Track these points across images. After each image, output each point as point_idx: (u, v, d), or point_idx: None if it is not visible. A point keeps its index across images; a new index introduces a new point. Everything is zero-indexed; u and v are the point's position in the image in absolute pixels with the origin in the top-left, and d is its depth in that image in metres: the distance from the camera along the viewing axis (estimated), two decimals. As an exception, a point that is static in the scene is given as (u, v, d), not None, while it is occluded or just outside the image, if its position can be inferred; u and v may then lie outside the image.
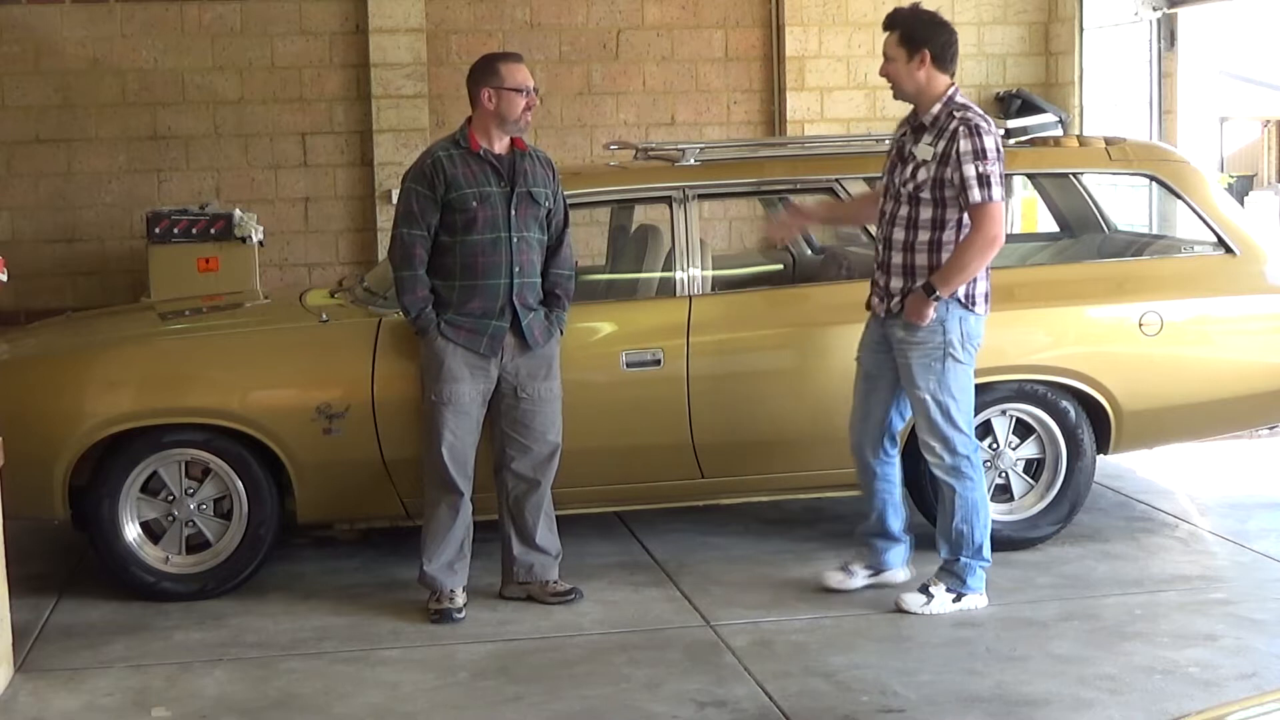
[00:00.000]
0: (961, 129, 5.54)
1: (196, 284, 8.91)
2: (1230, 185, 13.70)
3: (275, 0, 10.35)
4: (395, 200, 6.26)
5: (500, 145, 5.81)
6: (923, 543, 6.15)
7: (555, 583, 5.97)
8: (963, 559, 5.75)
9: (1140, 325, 6.47)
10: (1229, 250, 6.68)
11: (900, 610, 5.74)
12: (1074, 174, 7.19)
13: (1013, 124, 10.22)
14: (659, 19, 10.82)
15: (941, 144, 5.57)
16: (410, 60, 10.39)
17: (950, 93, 5.66)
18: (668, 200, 6.47)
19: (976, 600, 5.78)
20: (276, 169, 10.46)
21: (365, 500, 6.22)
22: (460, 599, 5.83)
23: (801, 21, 10.86)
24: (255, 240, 9.37)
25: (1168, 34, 10.07)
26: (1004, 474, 6.48)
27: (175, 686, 5.21)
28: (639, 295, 6.66)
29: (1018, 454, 6.49)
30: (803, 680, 5.12)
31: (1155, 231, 8.92)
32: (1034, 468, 6.52)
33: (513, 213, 5.75)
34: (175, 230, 9.27)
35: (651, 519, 6.94)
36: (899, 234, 5.66)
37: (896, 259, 5.66)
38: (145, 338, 6.62)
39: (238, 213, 9.40)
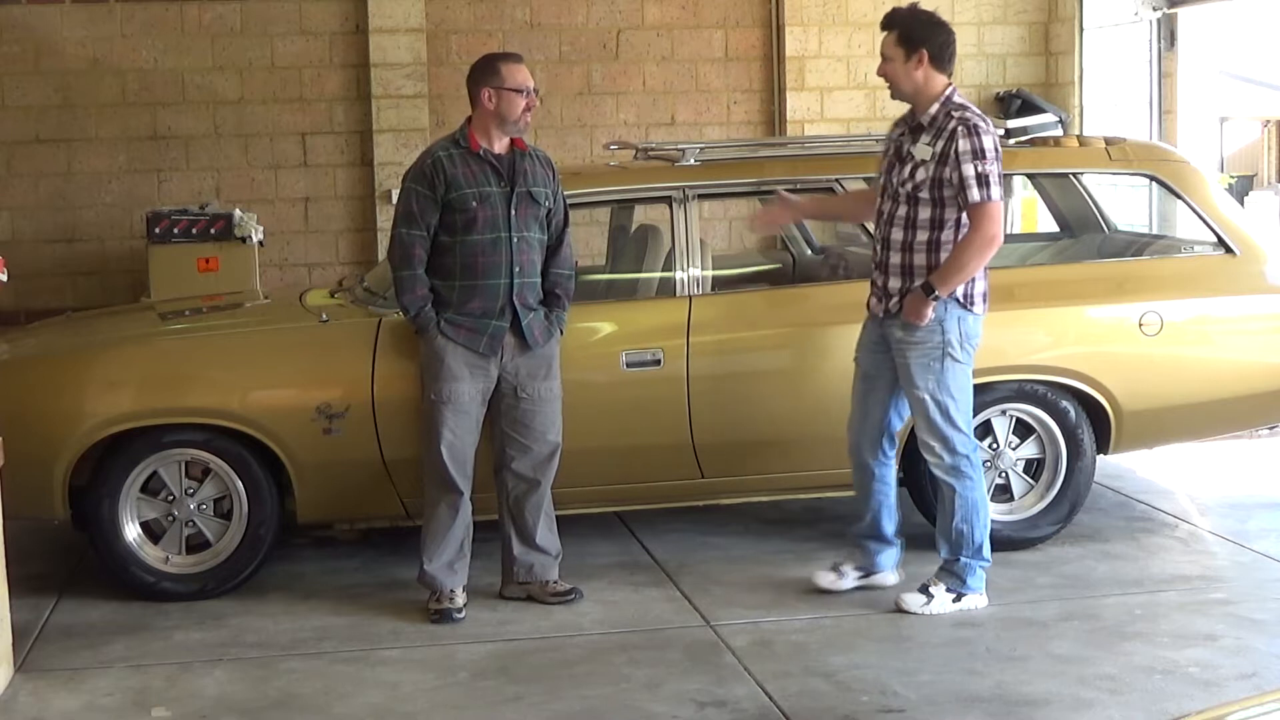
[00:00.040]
0: (960, 128, 5.54)
1: (196, 284, 8.91)
2: (1230, 185, 13.68)
3: (275, 0, 10.35)
4: (395, 200, 6.26)
5: (500, 145, 5.82)
6: (922, 543, 6.15)
7: (555, 583, 5.97)
8: (963, 559, 5.75)
9: (1140, 325, 6.47)
10: (1229, 250, 6.68)
11: (900, 610, 5.74)
12: (1074, 174, 7.19)
13: (1013, 124, 10.22)
14: (659, 19, 10.82)
15: (940, 144, 5.57)
16: (410, 60, 10.39)
17: (948, 93, 5.66)
18: (668, 200, 6.47)
19: (976, 600, 5.78)
20: (276, 169, 10.46)
21: (365, 500, 6.22)
22: (460, 599, 5.83)
23: (801, 21, 10.86)
24: (255, 240, 9.37)
25: (1168, 34, 10.08)
26: (1004, 474, 6.48)
27: (175, 686, 5.21)
28: (639, 295, 6.66)
29: (1018, 454, 6.49)
30: (803, 680, 5.12)
31: (1155, 231, 8.92)
32: (1034, 468, 6.52)
33: (513, 212, 5.75)
34: (175, 230, 9.28)
35: (651, 519, 6.94)
36: (897, 234, 5.66)
37: (895, 259, 5.66)
38: (145, 338, 6.62)
39: (238, 213, 9.40)
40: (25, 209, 10.23)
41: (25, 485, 5.68)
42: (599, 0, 10.73)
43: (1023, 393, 6.42)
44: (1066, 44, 11.00)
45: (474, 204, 5.71)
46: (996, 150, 5.58)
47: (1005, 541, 6.32)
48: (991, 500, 6.39)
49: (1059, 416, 6.44)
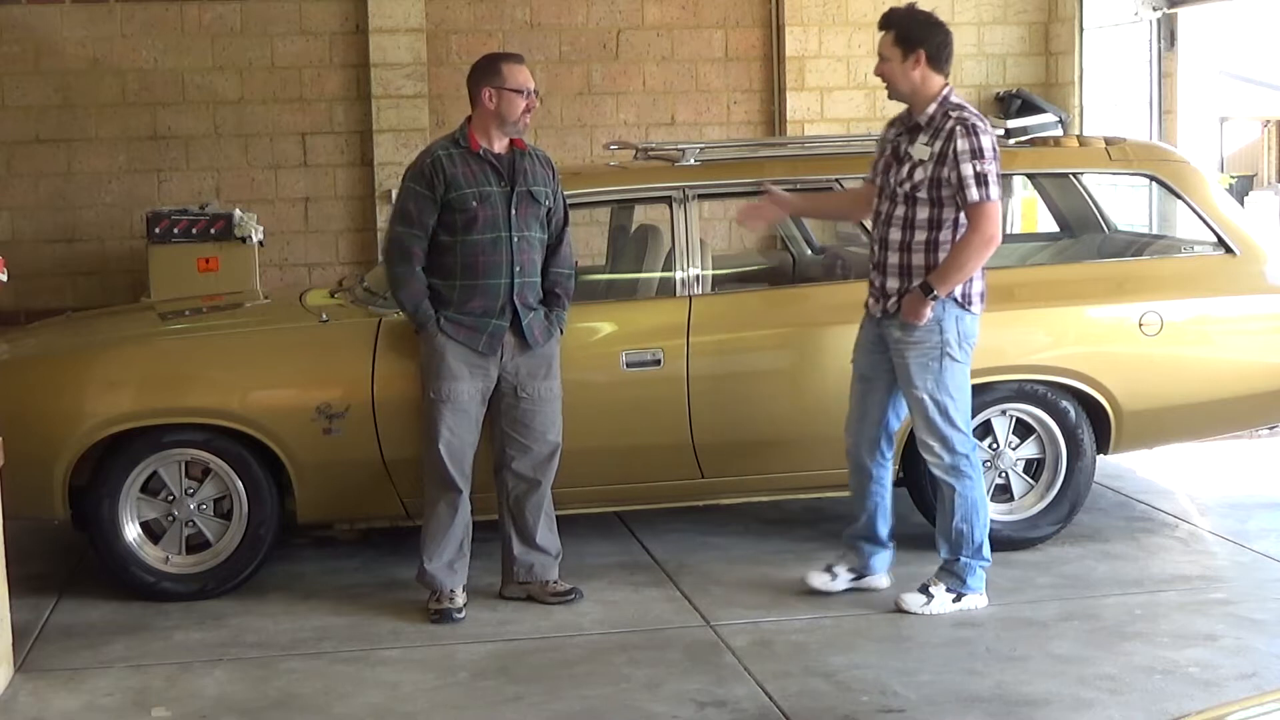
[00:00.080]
0: (959, 128, 5.54)
1: (196, 284, 8.91)
2: (1231, 185, 13.68)
3: (275, 0, 10.35)
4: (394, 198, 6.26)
5: (500, 145, 5.82)
6: (922, 543, 6.15)
7: (555, 583, 5.97)
8: (963, 559, 5.75)
9: (1140, 325, 6.47)
10: (1229, 250, 6.68)
11: (900, 610, 5.74)
12: (1074, 174, 7.19)
13: (1013, 124, 10.21)
14: (659, 19, 10.82)
15: (938, 143, 5.57)
16: (410, 60, 10.39)
17: (945, 93, 5.67)
18: (668, 200, 6.46)
19: (976, 600, 5.78)
20: (276, 169, 10.47)
21: (365, 500, 6.22)
22: (460, 599, 5.83)
23: (801, 21, 10.86)
24: (255, 240, 9.37)
25: (1168, 34, 10.08)
26: (1004, 474, 6.48)
27: (175, 686, 5.21)
28: (639, 295, 6.66)
29: (1018, 454, 6.49)
30: (803, 680, 5.12)
31: (1155, 231, 8.92)
32: (1034, 468, 6.52)
33: (513, 212, 5.75)
34: (175, 230, 9.28)
35: (651, 519, 6.94)
36: (895, 234, 5.66)
37: (893, 259, 5.66)
38: (145, 338, 6.62)
39: (238, 213, 9.40)
40: (25, 209, 10.23)
41: (25, 485, 5.68)
42: (599, 0, 10.73)
43: (1023, 393, 6.42)
44: (1066, 44, 11.01)
45: (474, 204, 5.71)
46: (995, 150, 5.58)
47: (1005, 541, 6.32)
48: (991, 500, 6.39)
49: (1059, 416, 6.44)
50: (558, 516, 6.04)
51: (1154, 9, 10.06)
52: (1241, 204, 12.00)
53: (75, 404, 6.01)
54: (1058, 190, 7.52)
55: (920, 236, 5.61)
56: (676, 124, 10.85)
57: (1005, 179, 7.55)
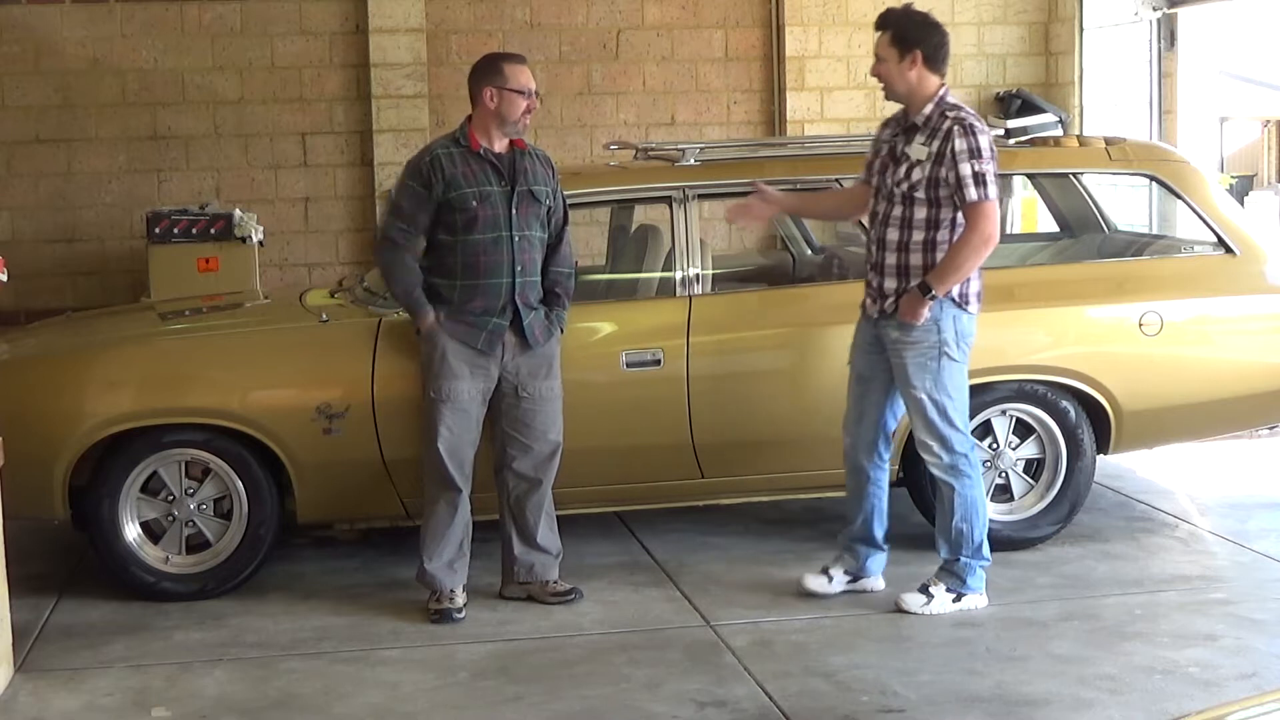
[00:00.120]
0: (956, 128, 5.54)
1: (196, 284, 8.91)
2: (1231, 185, 13.68)
3: (275, 0, 10.36)
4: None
5: (500, 145, 5.82)
6: (921, 543, 6.15)
7: (555, 583, 5.97)
8: (963, 559, 5.75)
9: (1140, 325, 6.47)
10: (1229, 250, 6.68)
11: (900, 610, 5.74)
12: (1074, 174, 7.19)
13: (1013, 124, 10.23)
14: (659, 19, 10.82)
15: (936, 143, 5.57)
16: (410, 60, 10.39)
17: (942, 93, 5.67)
18: (668, 200, 6.46)
19: (976, 600, 5.78)
20: (276, 169, 10.47)
21: (365, 500, 6.22)
22: (460, 599, 5.83)
23: (801, 21, 10.86)
24: (255, 240, 9.37)
25: (1168, 34, 10.08)
26: (1004, 474, 6.48)
27: (175, 686, 5.21)
28: (639, 295, 6.66)
29: (1018, 454, 6.49)
30: (803, 680, 5.12)
31: (1155, 231, 8.92)
32: (1034, 468, 6.52)
33: (514, 211, 5.75)
34: (175, 230, 9.28)
35: (651, 519, 6.94)
36: (893, 234, 5.66)
37: (890, 259, 5.66)
38: (145, 338, 6.62)
39: (238, 213, 9.40)
40: (25, 209, 10.23)
41: (25, 485, 5.68)
42: (599, 0, 10.74)
43: (1023, 393, 6.42)
44: (1066, 44, 11.01)
45: (474, 203, 5.71)
46: (992, 150, 5.59)
47: (1005, 541, 6.32)
48: (991, 500, 6.40)
49: (1059, 416, 6.44)
50: (558, 516, 6.04)
51: (1154, 9, 10.06)
52: (1241, 204, 12.00)
53: (75, 404, 6.01)
54: (1058, 190, 7.52)
55: (918, 236, 5.62)
56: (676, 124, 10.85)
57: (1005, 179, 7.56)
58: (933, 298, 5.54)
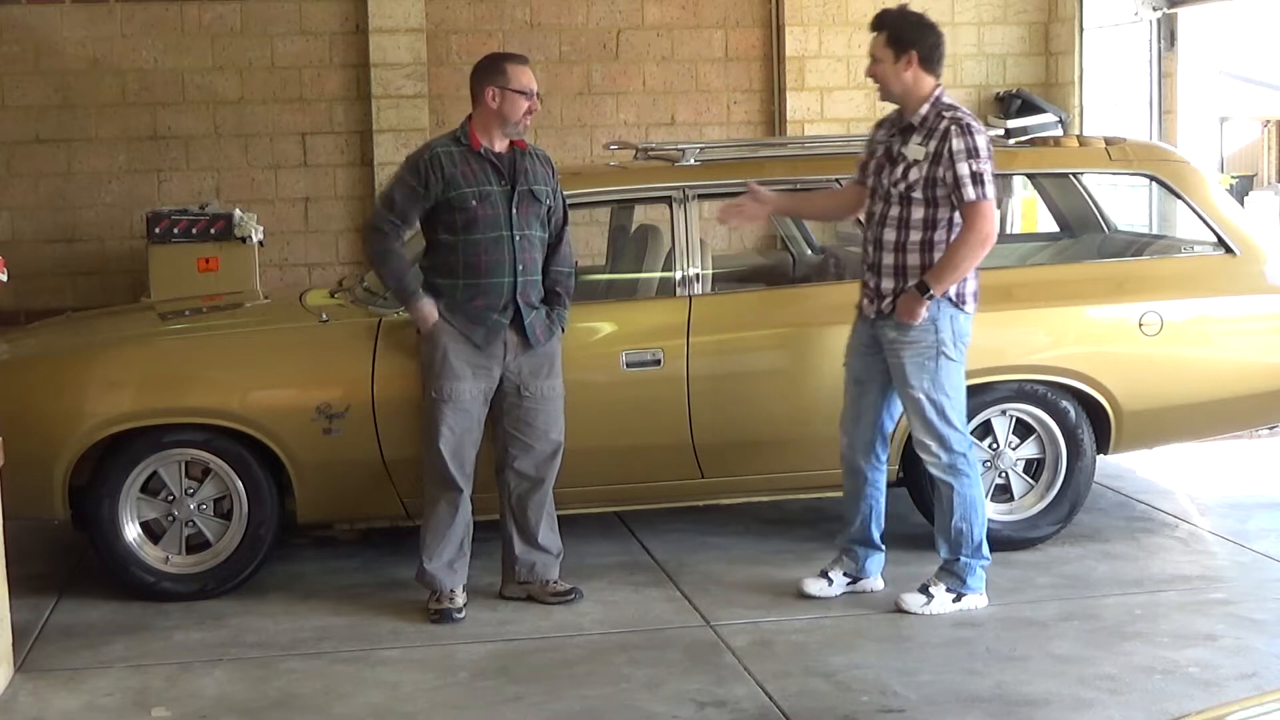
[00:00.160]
0: (953, 128, 5.55)
1: (196, 284, 8.91)
2: (1231, 185, 13.69)
3: (275, 0, 10.35)
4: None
5: (501, 144, 5.82)
6: (921, 543, 6.15)
7: (555, 582, 5.97)
8: (962, 558, 5.76)
9: (1140, 325, 6.47)
10: (1229, 250, 6.68)
11: (900, 610, 5.74)
12: (1074, 174, 7.19)
13: (1013, 124, 10.23)
14: (659, 19, 10.82)
15: (933, 143, 5.57)
16: (410, 60, 10.39)
17: (938, 93, 5.67)
18: (668, 200, 6.46)
19: (976, 600, 5.78)
20: (276, 169, 10.47)
21: (365, 500, 6.22)
22: (460, 599, 5.83)
23: (801, 21, 10.86)
24: (255, 240, 9.37)
25: (1168, 34, 10.08)
26: (1004, 474, 6.48)
27: (175, 686, 5.21)
28: (639, 295, 6.66)
29: (1018, 454, 6.48)
30: (803, 680, 5.12)
31: (1155, 231, 8.92)
32: (1034, 468, 6.52)
33: (514, 211, 5.76)
34: (175, 230, 9.28)
35: (651, 519, 6.94)
36: (890, 234, 5.66)
37: (888, 259, 5.66)
38: (145, 338, 6.62)
39: (238, 213, 9.40)
40: (25, 209, 10.23)
41: (25, 485, 5.68)
42: (599, 0, 10.73)
43: (1023, 393, 6.42)
44: (1066, 44, 11.01)
45: (473, 202, 5.71)
46: (989, 150, 5.60)
47: (1005, 541, 6.32)
48: (991, 500, 6.40)
49: (1059, 416, 6.44)
50: (558, 516, 6.04)
51: (1154, 9, 10.06)
52: (1241, 204, 12.00)
53: (75, 404, 6.01)
54: (1058, 190, 7.52)
55: (915, 236, 5.62)
56: (676, 124, 10.85)
57: (1005, 179, 7.55)
58: (930, 297, 5.54)
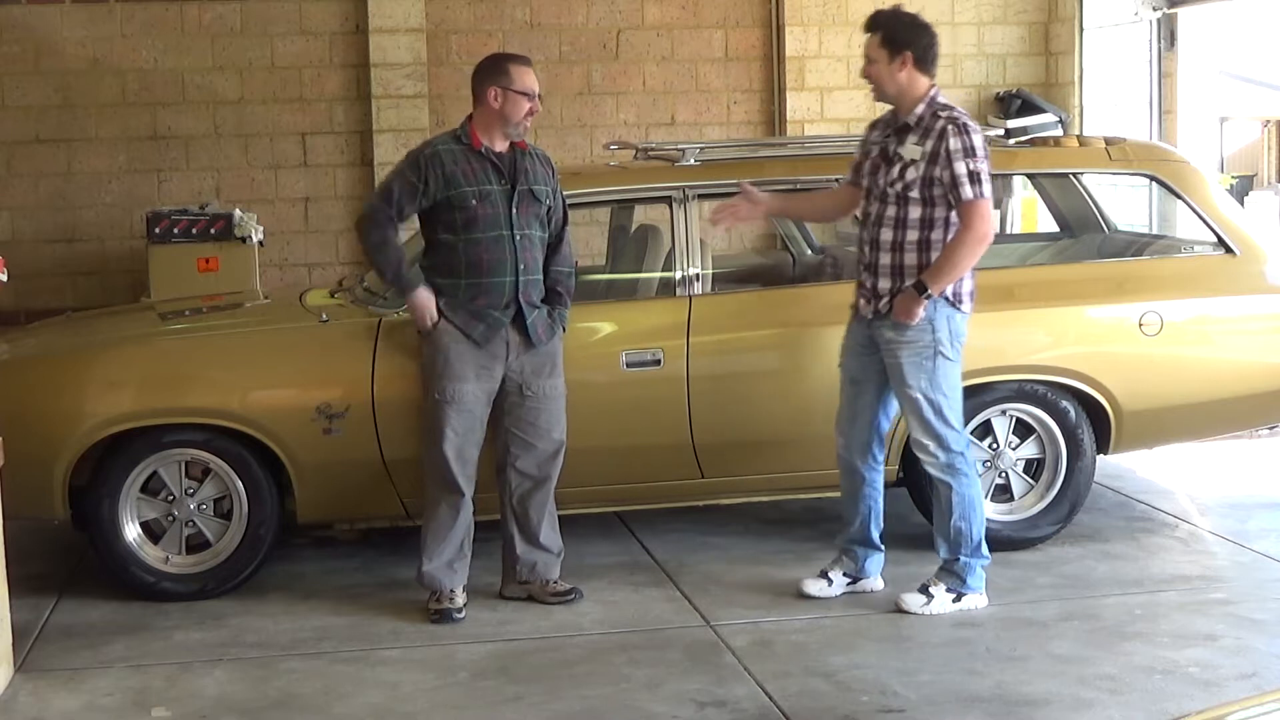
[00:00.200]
0: (950, 127, 5.55)
1: (196, 284, 8.91)
2: (1231, 186, 13.68)
3: (275, 0, 10.35)
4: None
5: (501, 144, 5.82)
6: (921, 543, 6.15)
7: (556, 582, 5.97)
8: (962, 558, 5.76)
9: (1140, 325, 6.47)
10: (1229, 250, 6.68)
11: (900, 610, 5.74)
12: (1074, 174, 7.19)
13: (1013, 124, 10.23)
14: (659, 19, 10.82)
15: (929, 143, 5.58)
16: (410, 60, 10.39)
17: (933, 93, 5.68)
18: (668, 200, 6.46)
19: (976, 600, 5.79)
20: (276, 169, 10.47)
21: (365, 500, 6.22)
22: (460, 599, 5.83)
23: (801, 21, 10.86)
24: (255, 240, 9.37)
25: (1168, 34, 10.08)
26: (1004, 474, 6.48)
27: (175, 686, 5.21)
28: (639, 295, 6.66)
29: (1018, 454, 6.48)
30: (803, 680, 5.12)
31: (1155, 231, 8.93)
32: (1034, 468, 6.52)
33: (514, 211, 5.76)
34: (175, 230, 9.28)
35: (651, 519, 6.94)
36: (887, 234, 5.66)
37: (885, 259, 5.66)
38: (145, 338, 6.62)
39: (238, 213, 9.40)
40: (25, 209, 10.23)
41: (25, 485, 5.68)
42: (599, 0, 10.73)
43: (1023, 393, 6.42)
44: (1066, 44, 11.01)
45: (473, 201, 5.71)
46: (985, 149, 5.60)
47: (1005, 541, 6.32)
48: (991, 500, 6.41)
49: (1059, 416, 6.44)
50: (558, 516, 6.03)
51: (1154, 9, 10.06)
52: (1241, 204, 12.00)
53: (75, 404, 6.01)
54: (1058, 190, 7.52)
55: (912, 236, 5.62)
56: (676, 124, 10.85)
57: (1005, 179, 7.55)
58: (928, 297, 5.55)
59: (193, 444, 6.03)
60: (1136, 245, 7.18)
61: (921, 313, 5.56)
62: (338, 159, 10.52)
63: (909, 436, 5.92)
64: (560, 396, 5.90)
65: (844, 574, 5.96)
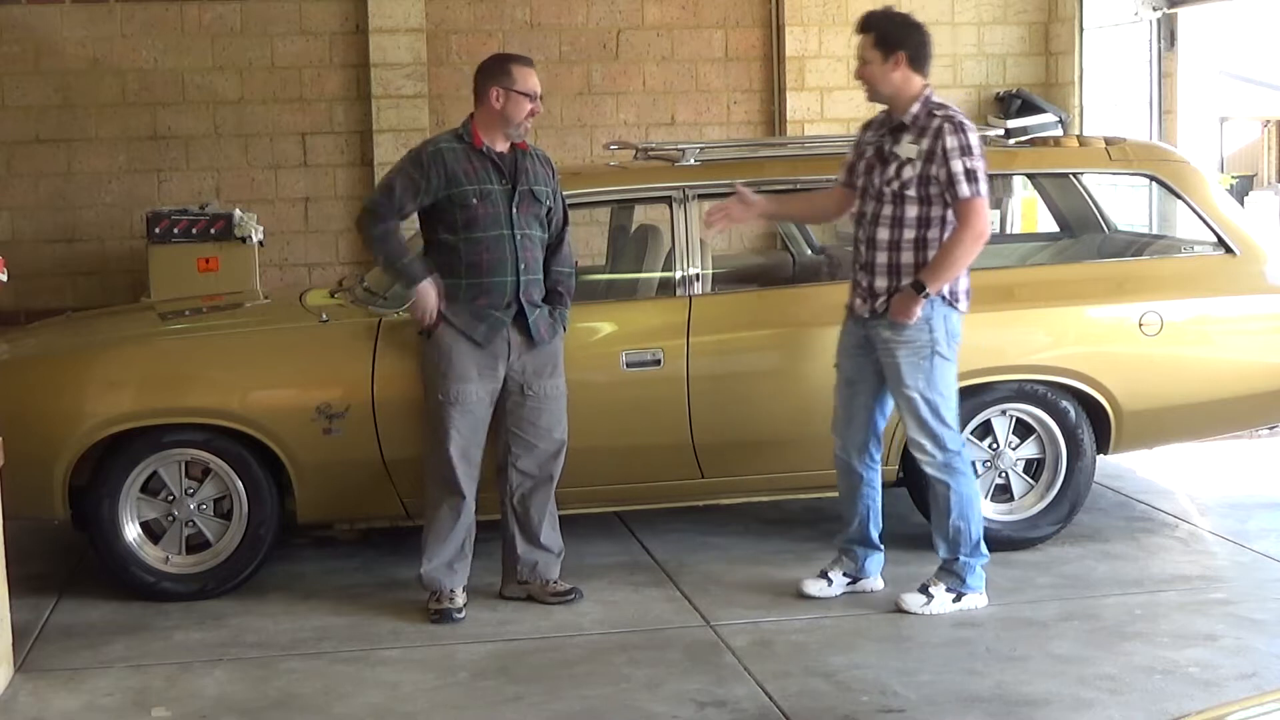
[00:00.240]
0: (946, 125, 5.56)
1: (196, 284, 8.91)
2: (1231, 186, 13.68)
3: (275, 0, 10.35)
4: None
5: (502, 144, 5.82)
6: (920, 543, 6.15)
7: (556, 582, 5.97)
8: (962, 558, 5.76)
9: (1140, 325, 6.47)
10: (1229, 250, 6.68)
11: (900, 610, 5.74)
12: (1074, 174, 7.19)
13: (1013, 124, 10.23)
14: (659, 19, 10.82)
15: (926, 141, 5.58)
16: (410, 60, 10.39)
17: (927, 93, 5.68)
18: (668, 200, 6.46)
19: (976, 600, 5.79)
20: (276, 169, 10.46)
21: (365, 500, 6.22)
22: (460, 599, 5.83)
23: (801, 21, 10.86)
24: (255, 240, 9.37)
25: (1168, 34, 10.08)
26: (1004, 474, 6.48)
27: (175, 686, 5.21)
28: (639, 295, 6.66)
29: (1018, 454, 6.49)
30: (803, 680, 5.12)
31: (1155, 231, 8.92)
32: (1034, 468, 6.52)
33: (515, 210, 5.76)
34: (175, 230, 9.28)
35: (651, 519, 6.94)
36: (883, 233, 5.66)
37: (881, 258, 5.66)
38: (145, 338, 6.62)
39: (238, 213, 9.40)
40: (25, 209, 10.23)
41: (25, 485, 5.68)
42: (599, 0, 10.73)
43: (1023, 393, 6.42)
44: (1066, 44, 11.00)
45: (474, 200, 5.71)
46: (981, 147, 5.61)
47: (1005, 541, 6.33)
48: (991, 500, 6.41)
49: (1059, 416, 6.44)
50: (559, 516, 6.03)
51: (1154, 9, 10.06)
52: (1241, 204, 12.00)
53: (75, 404, 6.01)
54: (1058, 190, 7.52)
55: (909, 235, 5.62)
56: (676, 124, 10.85)
57: (1005, 179, 7.55)
58: (926, 296, 5.55)
59: (193, 444, 6.03)
60: (1136, 245, 7.18)
61: (919, 312, 5.57)
62: (338, 159, 10.52)
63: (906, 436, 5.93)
64: (561, 396, 5.90)
65: (844, 574, 5.97)
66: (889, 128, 5.74)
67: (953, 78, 10.84)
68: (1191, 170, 6.98)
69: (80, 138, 10.23)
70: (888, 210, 5.65)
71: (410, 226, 6.08)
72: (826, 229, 7.93)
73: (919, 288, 5.54)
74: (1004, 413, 6.44)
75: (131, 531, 6.03)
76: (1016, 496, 6.51)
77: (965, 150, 5.53)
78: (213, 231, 9.28)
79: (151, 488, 6.05)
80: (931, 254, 5.58)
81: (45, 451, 5.90)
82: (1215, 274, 6.72)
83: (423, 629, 5.72)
